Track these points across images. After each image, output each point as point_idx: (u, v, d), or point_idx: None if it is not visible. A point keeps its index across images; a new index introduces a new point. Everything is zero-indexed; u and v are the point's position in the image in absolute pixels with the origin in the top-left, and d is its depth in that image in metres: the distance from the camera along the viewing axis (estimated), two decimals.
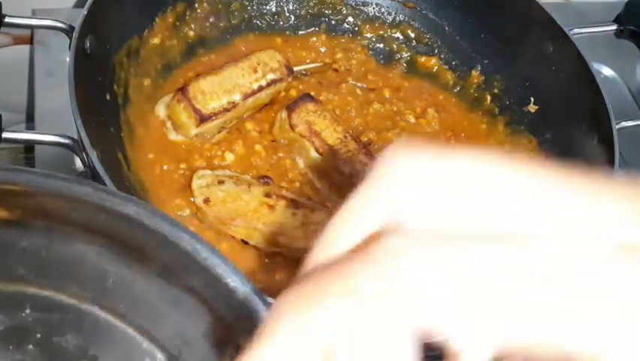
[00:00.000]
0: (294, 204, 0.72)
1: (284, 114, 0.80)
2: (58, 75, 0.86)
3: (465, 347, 0.25)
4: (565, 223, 0.27)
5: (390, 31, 0.96)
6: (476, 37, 0.91)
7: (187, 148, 0.78)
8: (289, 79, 0.84)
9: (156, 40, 0.83)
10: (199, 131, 0.78)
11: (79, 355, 0.47)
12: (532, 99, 0.86)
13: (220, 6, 0.90)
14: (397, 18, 0.96)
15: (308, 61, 0.91)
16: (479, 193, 0.27)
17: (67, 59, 0.67)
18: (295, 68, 0.86)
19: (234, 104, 0.79)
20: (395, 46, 0.95)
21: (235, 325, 0.40)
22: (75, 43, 0.68)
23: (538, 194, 0.28)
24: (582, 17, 0.95)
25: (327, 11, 0.96)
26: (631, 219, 0.27)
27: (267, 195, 0.73)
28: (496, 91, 0.90)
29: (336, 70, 0.92)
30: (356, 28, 0.96)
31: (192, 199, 0.72)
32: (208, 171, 0.74)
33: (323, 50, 0.94)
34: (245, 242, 0.71)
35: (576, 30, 0.86)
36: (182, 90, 0.77)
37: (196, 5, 0.87)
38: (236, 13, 0.92)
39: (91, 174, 0.65)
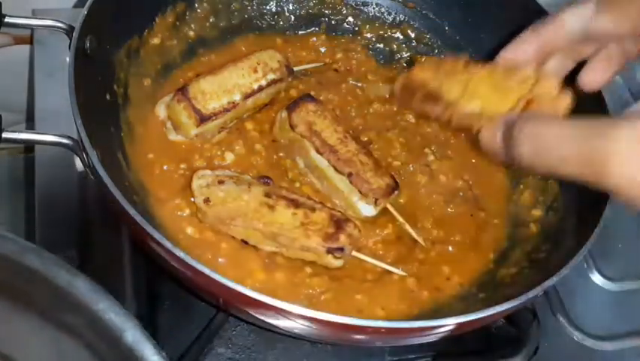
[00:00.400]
0: (294, 204, 0.72)
1: (284, 114, 0.80)
2: (58, 75, 0.86)
3: None
4: None
5: (390, 31, 0.96)
6: (476, 37, 0.91)
7: (187, 148, 0.78)
8: (289, 79, 0.84)
9: (156, 40, 0.83)
10: (199, 131, 0.78)
11: None
12: None
13: (220, 6, 0.90)
14: (397, 18, 0.96)
15: (308, 61, 0.91)
16: None
17: (67, 59, 0.67)
18: (295, 68, 0.86)
19: (234, 104, 0.79)
20: (395, 46, 0.96)
21: None
22: (75, 43, 0.68)
23: None
24: None
25: (327, 11, 0.96)
26: None
27: (267, 195, 0.73)
28: None
29: (336, 70, 0.92)
30: (356, 28, 0.96)
31: (192, 199, 0.72)
32: (208, 171, 0.74)
33: (323, 50, 0.94)
34: (245, 242, 0.71)
35: None
36: (182, 90, 0.77)
37: (196, 5, 0.87)
38: (236, 13, 0.92)
39: (91, 174, 0.65)
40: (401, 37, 0.95)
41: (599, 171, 0.50)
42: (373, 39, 0.96)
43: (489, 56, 0.90)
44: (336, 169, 0.77)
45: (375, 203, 0.77)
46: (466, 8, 0.92)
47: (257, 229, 0.70)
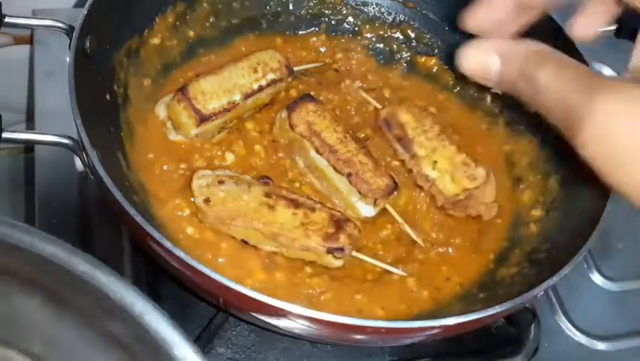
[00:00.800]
0: (294, 204, 0.72)
1: (284, 114, 0.80)
2: (58, 75, 0.86)
3: None
4: None
5: (390, 31, 0.96)
6: (476, 37, 0.91)
7: (187, 148, 0.78)
8: (289, 79, 0.84)
9: (156, 40, 0.83)
10: (199, 131, 0.78)
11: None
12: None
13: (220, 6, 0.90)
14: (397, 18, 0.96)
15: (308, 61, 0.91)
16: None
17: (67, 59, 0.67)
18: (295, 68, 0.86)
19: (234, 104, 0.79)
20: (395, 46, 0.95)
21: None
22: (75, 43, 0.68)
23: None
24: None
25: (327, 11, 0.96)
26: None
27: (267, 195, 0.73)
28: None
29: (336, 70, 0.92)
30: (356, 28, 0.96)
31: (192, 199, 0.72)
32: (208, 171, 0.74)
33: (323, 50, 0.94)
34: (245, 242, 0.71)
35: None
36: (182, 90, 0.77)
37: (196, 5, 0.87)
38: (236, 13, 0.92)
39: (91, 174, 0.65)
40: (401, 37, 0.95)
41: (574, 133, 0.49)
42: (373, 39, 0.96)
43: None
44: (335, 169, 0.77)
45: (375, 203, 0.77)
46: (466, 8, 0.92)
47: (257, 229, 0.70)
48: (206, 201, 0.71)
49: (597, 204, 0.69)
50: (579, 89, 0.49)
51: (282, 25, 0.94)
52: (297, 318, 0.58)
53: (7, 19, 0.74)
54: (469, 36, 0.92)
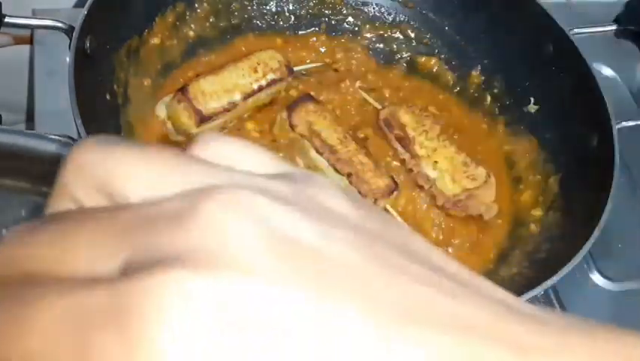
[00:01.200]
0: None
1: (284, 114, 0.80)
2: (58, 75, 0.86)
3: None
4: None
5: (391, 31, 0.96)
6: (476, 37, 0.91)
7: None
8: (289, 79, 0.84)
9: (156, 40, 0.82)
10: (199, 131, 0.78)
11: None
12: (532, 99, 0.86)
13: (220, 6, 0.90)
14: (397, 18, 0.96)
15: (308, 61, 0.91)
16: None
17: (67, 59, 0.67)
18: (295, 68, 0.86)
19: (234, 104, 0.79)
20: (395, 46, 0.95)
21: None
22: (75, 43, 0.68)
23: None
24: (582, 17, 0.95)
25: (327, 11, 0.96)
26: None
27: None
28: (496, 91, 0.90)
29: (336, 70, 0.92)
30: (356, 28, 0.96)
31: None
32: None
33: (323, 50, 0.94)
34: None
35: (576, 30, 0.86)
36: (182, 90, 0.77)
37: (196, 5, 0.87)
38: (236, 13, 0.92)
39: None
40: (401, 37, 0.95)
41: None
42: (373, 39, 0.96)
43: (489, 55, 0.90)
44: (335, 169, 0.77)
45: (375, 203, 0.77)
46: (466, 8, 0.92)
47: None
48: None
49: (597, 204, 0.69)
50: None
51: (282, 25, 0.94)
52: None
53: (7, 19, 0.74)
54: (469, 36, 0.92)
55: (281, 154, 0.81)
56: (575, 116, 0.81)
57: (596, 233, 0.67)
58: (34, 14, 0.91)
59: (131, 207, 0.19)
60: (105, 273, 0.18)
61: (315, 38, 0.94)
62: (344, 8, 0.96)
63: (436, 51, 0.94)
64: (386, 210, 0.78)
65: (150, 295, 0.17)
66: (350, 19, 0.96)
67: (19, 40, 1.01)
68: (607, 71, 1.03)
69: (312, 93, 0.84)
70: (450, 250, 0.78)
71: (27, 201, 0.41)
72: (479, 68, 0.91)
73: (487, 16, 0.90)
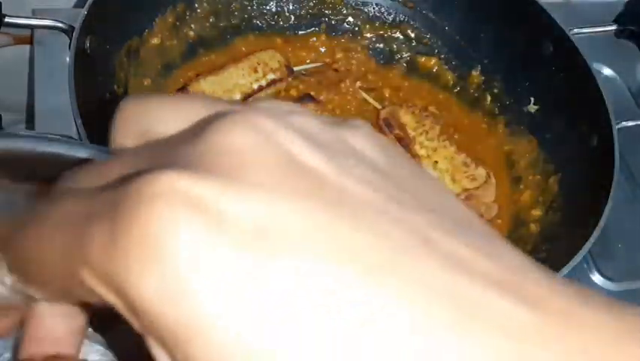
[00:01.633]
0: None
1: None
2: (58, 75, 0.86)
3: None
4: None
5: (390, 31, 0.96)
6: (476, 37, 0.91)
7: None
8: (289, 79, 0.84)
9: (156, 41, 0.82)
10: None
11: None
12: (532, 99, 0.86)
13: (220, 6, 0.90)
14: (397, 18, 0.96)
15: (308, 61, 0.91)
16: None
17: (68, 59, 0.67)
18: (295, 68, 0.86)
19: None
20: (395, 46, 0.95)
21: None
22: (75, 43, 0.68)
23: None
24: (582, 17, 0.95)
25: (327, 11, 0.96)
26: None
27: None
28: (496, 91, 0.90)
29: (336, 70, 0.92)
30: (356, 28, 0.96)
31: None
32: None
33: (323, 49, 0.94)
34: None
35: (576, 30, 0.86)
36: (183, 90, 0.77)
37: (196, 5, 0.87)
38: (236, 13, 0.92)
39: None
40: (401, 37, 0.95)
41: None
42: (373, 39, 0.96)
43: (489, 55, 0.91)
44: None
45: None
46: (466, 8, 0.92)
47: None
48: None
49: (597, 205, 0.69)
50: None
51: (282, 25, 0.94)
52: None
53: (7, 19, 0.74)
54: (469, 36, 0.92)
55: None
56: (575, 117, 0.81)
57: (596, 233, 0.67)
58: (34, 14, 0.91)
59: (162, 139, 0.21)
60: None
61: (315, 38, 0.94)
62: (344, 8, 0.96)
63: (436, 51, 0.94)
64: None
65: (143, 186, 0.18)
66: (350, 19, 0.96)
67: (19, 40, 1.01)
68: (607, 71, 1.03)
69: (312, 93, 0.84)
70: None
71: None
72: (479, 68, 0.91)
73: (487, 16, 0.90)
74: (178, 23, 0.85)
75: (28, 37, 0.97)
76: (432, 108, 0.89)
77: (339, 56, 0.93)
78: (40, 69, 0.90)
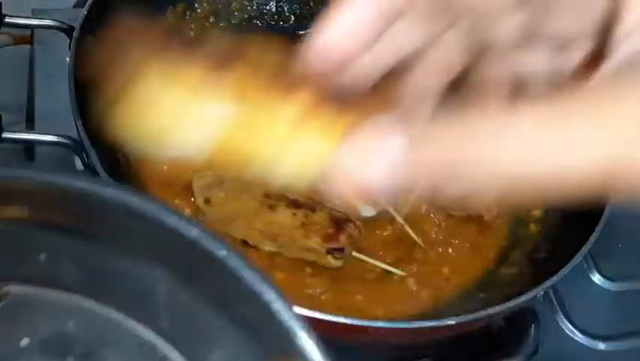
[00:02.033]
0: (294, 204, 0.72)
1: None
2: (58, 75, 0.86)
3: None
4: None
5: None
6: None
7: None
8: None
9: None
10: None
11: None
12: None
13: (220, 6, 0.90)
14: None
15: None
16: None
17: (67, 59, 0.67)
18: None
19: None
20: None
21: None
22: (75, 43, 0.68)
23: None
24: None
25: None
26: None
27: (267, 195, 0.73)
28: None
29: None
30: None
31: (192, 199, 0.72)
32: (209, 171, 0.74)
33: None
34: (245, 242, 0.71)
35: None
36: None
37: (196, 5, 0.87)
38: (236, 13, 0.92)
39: (91, 175, 0.65)
40: None
41: None
42: None
43: None
44: None
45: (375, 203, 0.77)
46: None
47: (257, 230, 0.70)
48: (207, 201, 0.71)
49: (597, 205, 0.69)
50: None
51: (282, 25, 0.94)
52: None
53: (7, 19, 0.74)
54: None
55: None
56: None
57: (596, 233, 0.67)
58: (34, 14, 0.91)
59: None
60: None
61: None
62: None
63: None
64: (386, 210, 0.78)
65: None
66: None
67: (19, 40, 1.01)
68: None
69: None
70: (450, 250, 0.78)
71: None
72: None
73: None
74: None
75: (28, 37, 0.97)
76: None
77: None
78: (40, 69, 0.90)
